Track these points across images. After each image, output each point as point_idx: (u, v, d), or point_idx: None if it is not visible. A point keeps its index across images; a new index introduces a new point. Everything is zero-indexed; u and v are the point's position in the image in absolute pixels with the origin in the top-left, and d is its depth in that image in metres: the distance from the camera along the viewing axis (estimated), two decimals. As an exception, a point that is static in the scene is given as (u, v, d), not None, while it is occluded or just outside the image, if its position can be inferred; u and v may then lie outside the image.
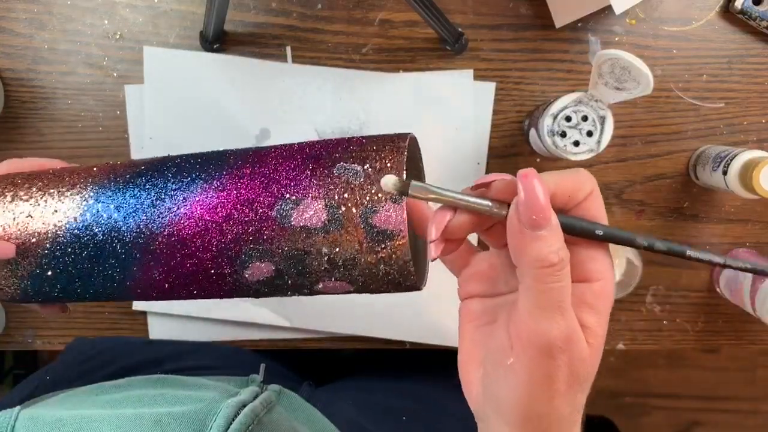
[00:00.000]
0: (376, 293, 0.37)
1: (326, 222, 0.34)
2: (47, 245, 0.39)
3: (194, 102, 0.63)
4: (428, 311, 0.66)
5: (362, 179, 0.34)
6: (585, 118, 0.55)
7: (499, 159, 0.65)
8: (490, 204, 0.30)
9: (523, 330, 0.29)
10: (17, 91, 0.63)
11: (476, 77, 0.64)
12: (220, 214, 0.36)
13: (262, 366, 0.55)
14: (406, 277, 0.35)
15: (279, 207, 0.35)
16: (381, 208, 0.34)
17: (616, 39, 0.63)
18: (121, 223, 0.38)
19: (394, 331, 0.66)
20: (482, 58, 0.63)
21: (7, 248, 0.38)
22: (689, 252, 0.30)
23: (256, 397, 0.46)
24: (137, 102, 0.63)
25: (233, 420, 0.41)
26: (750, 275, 0.61)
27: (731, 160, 0.57)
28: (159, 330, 0.67)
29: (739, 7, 0.61)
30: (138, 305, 0.66)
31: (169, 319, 0.67)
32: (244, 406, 0.43)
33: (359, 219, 0.34)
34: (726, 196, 0.66)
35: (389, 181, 0.30)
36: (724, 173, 0.58)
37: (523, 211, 0.28)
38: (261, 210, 0.36)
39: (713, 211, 0.66)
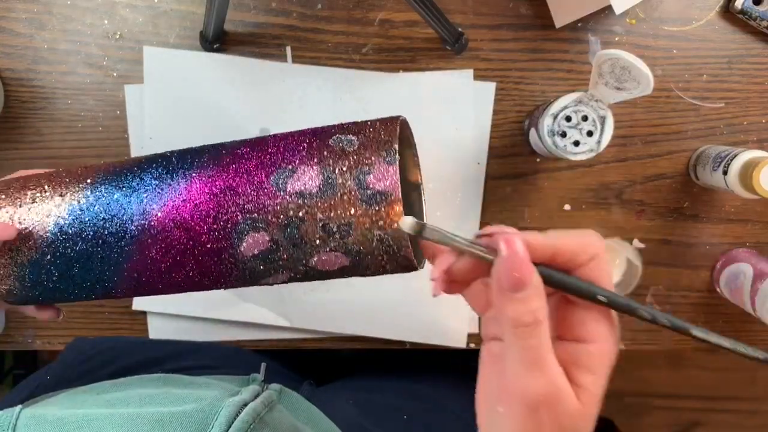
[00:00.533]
0: (372, 273, 0.37)
1: (321, 186, 0.35)
2: (49, 229, 0.39)
3: (194, 102, 0.63)
4: (428, 311, 0.66)
5: (356, 146, 0.36)
6: (585, 118, 0.55)
7: (499, 159, 0.65)
8: (490, 257, 0.31)
9: (509, 383, 0.30)
10: (17, 91, 0.63)
11: (476, 77, 0.64)
12: (217, 185, 0.37)
13: (263, 365, 0.55)
14: (401, 246, 0.35)
15: (275, 176, 0.36)
16: (374, 170, 0.35)
17: (616, 39, 0.63)
18: (123, 202, 0.38)
19: (394, 331, 0.66)
20: (482, 58, 0.63)
21: (9, 229, 0.39)
22: (693, 331, 0.30)
23: (257, 396, 0.46)
24: (137, 102, 0.63)
25: (235, 419, 0.41)
26: (750, 274, 0.61)
27: (731, 160, 0.57)
28: (159, 330, 0.67)
29: (739, 7, 0.61)
30: (138, 305, 0.66)
31: (169, 319, 0.67)
32: (246, 405, 0.43)
33: (353, 182, 0.35)
34: (726, 196, 0.66)
35: (407, 221, 0.32)
36: (724, 173, 0.58)
37: (502, 274, 0.29)
38: (258, 179, 0.36)
39: (713, 211, 0.66)
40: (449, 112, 0.64)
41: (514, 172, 0.65)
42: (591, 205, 0.65)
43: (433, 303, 0.65)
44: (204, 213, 0.37)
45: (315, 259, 0.37)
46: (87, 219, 0.39)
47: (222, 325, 0.67)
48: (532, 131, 0.60)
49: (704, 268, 0.68)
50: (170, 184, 0.38)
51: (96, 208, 0.39)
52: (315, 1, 0.62)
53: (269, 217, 0.36)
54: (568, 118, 0.55)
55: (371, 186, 0.34)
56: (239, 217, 0.36)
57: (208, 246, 0.37)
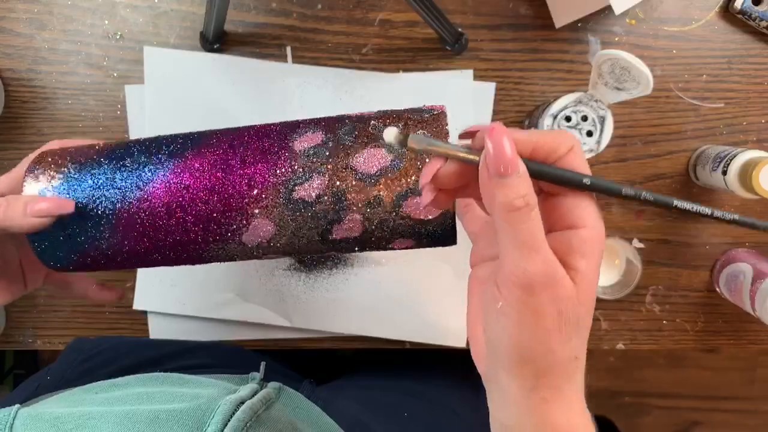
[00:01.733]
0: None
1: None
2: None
3: (194, 102, 0.63)
4: (428, 311, 0.66)
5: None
6: (585, 118, 0.55)
7: (499, 159, 0.65)
8: (472, 158, 0.32)
9: (505, 272, 0.30)
10: (18, 91, 0.63)
11: (476, 77, 0.64)
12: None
13: (263, 364, 0.55)
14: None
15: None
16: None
17: (616, 39, 0.63)
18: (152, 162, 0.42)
19: (394, 331, 0.66)
20: (482, 58, 0.63)
21: (68, 205, 0.41)
22: (675, 202, 0.31)
23: (255, 394, 0.46)
24: (137, 102, 0.64)
25: (231, 416, 0.41)
26: (750, 274, 0.61)
27: (731, 160, 0.57)
28: (159, 330, 0.67)
29: (739, 7, 0.61)
30: (138, 305, 0.66)
31: (169, 319, 0.67)
32: (243, 402, 0.43)
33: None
34: (726, 196, 0.66)
35: (391, 131, 0.32)
36: (724, 173, 0.58)
37: (491, 161, 0.29)
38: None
39: (713, 211, 0.66)
40: (449, 113, 0.64)
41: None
42: (591, 205, 0.65)
43: (433, 303, 0.65)
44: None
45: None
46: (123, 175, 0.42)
47: (222, 325, 0.67)
48: (532, 131, 0.60)
49: (704, 268, 0.68)
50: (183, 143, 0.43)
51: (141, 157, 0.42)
52: (315, 2, 0.62)
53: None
54: (568, 119, 0.55)
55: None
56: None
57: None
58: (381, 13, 0.63)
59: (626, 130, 0.64)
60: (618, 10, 0.54)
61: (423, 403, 0.62)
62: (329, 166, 0.40)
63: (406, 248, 0.42)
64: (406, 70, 0.63)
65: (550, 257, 0.29)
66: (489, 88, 0.64)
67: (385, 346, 0.67)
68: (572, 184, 0.31)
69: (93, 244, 0.42)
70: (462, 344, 0.66)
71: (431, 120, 0.40)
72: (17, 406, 0.41)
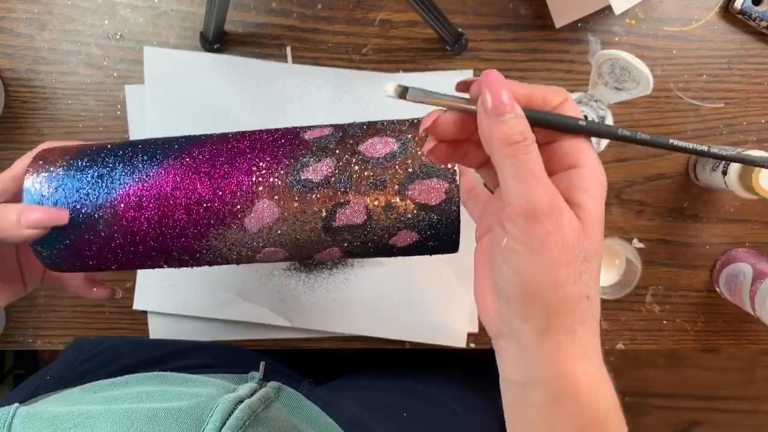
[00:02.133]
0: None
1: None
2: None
3: (194, 102, 0.63)
4: (428, 311, 0.66)
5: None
6: (585, 118, 0.55)
7: (499, 159, 0.65)
8: (470, 107, 0.33)
9: (508, 207, 0.30)
10: (18, 91, 0.63)
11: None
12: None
13: (262, 363, 0.55)
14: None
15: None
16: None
17: (616, 39, 0.63)
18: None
19: (394, 331, 0.66)
20: (482, 58, 0.63)
21: (62, 215, 0.41)
22: (671, 141, 0.32)
23: (254, 393, 0.46)
24: (137, 102, 0.64)
25: (230, 415, 0.41)
26: (750, 274, 0.61)
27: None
28: (159, 330, 0.67)
29: (739, 7, 0.61)
30: (138, 305, 0.66)
31: (169, 319, 0.67)
32: (242, 401, 0.43)
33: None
34: (726, 196, 0.66)
35: (391, 86, 0.33)
36: (724, 173, 0.58)
37: (487, 101, 0.30)
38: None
39: (713, 211, 0.66)
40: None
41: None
42: (591, 205, 0.65)
43: (433, 303, 0.65)
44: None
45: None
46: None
47: (222, 325, 0.67)
48: (532, 131, 0.60)
49: (704, 268, 0.68)
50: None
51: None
52: (315, 2, 0.62)
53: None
54: (568, 118, 0.55)
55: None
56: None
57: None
58: (381, 13, 0.63)
59: (626, 130, 0.64)
60: (618, 10, 0.54)
61: (423, 403, 0.62)
62: (337, 150, 0.40)
63: (409, 245, 0.42)
64: (406, 70, 0.63)
65: (551, 188, 0.30)
66: (489, 88, 0.64)
67: (385, 346, 0.67)
68: (568, 127, 0.32)
69: (92, 245, 0.42)
70: (462, 344, 0.66)
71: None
72: (16, 404, 0.41)
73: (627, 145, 0.65)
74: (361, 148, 0.40)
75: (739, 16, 0.62)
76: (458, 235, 0.41)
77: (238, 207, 0.40)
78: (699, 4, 0.63)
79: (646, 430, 1.51)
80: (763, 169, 0.54)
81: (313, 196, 0.40)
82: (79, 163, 0.42)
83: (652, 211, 0.66)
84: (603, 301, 0.67)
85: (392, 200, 0.40)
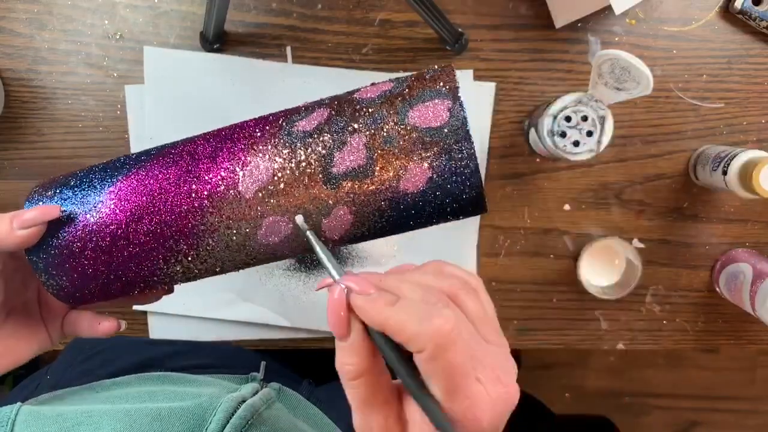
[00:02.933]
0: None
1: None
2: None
3: (194, 102, 0.63)
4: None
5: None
6: (585, 118, 0.55)
7: (499, 159, 0.65)
8: (334, 275, 0.34)
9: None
10: (18, 91, 0.63)
11: (476, 77, 0.64)
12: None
13: (263, 364, 0.55)
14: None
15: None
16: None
17: (616, 39, 0.63)
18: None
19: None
20: (482, 58, 0.63)
21: (53, 209, 0.39)
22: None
23: (255, 393, 0.46)
24: (137, 102, 0.64)
25: (233, 415, 0.41)
26: (750, 274, 0.61)
27: (731, 160, 0.57)
28: (159, 330, 0.67)
29: (739, 7, 0.61)
30: (138, 305, 0.66)
31: (169, 319, 0.67)
32: (244, 401, 0.43)
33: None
34: (726, 196, 0.66)
35: (299, 218, 0.36)
36: (724, 173, 0.58)
37: (328, 318, 0.30)
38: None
39: (713, 211, 0.66)
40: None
41: (514, 172, 0.65)
42: (591, 205, 0.65)
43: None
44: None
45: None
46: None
47: (222, 325, 0.67)
48: (532, 131, 0.60)
49: (704, 268, 0.68)
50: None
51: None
52: (315, 2, 0.62)
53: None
54: (568, 119, 0.55)
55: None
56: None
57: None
58: (381, 13, 0.63)
59: (626, 130, 0.64)
60: (618, 10, 0.54)
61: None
62: (329, 101, 0.39)
63: (424, 191, 0.37)
64: (406, 70, 0.63)
65: (381, 421, 0.29)
66: (489, 88, 0.64)
67: (385, 346, 0.67)
68: (408, 388, 0.28)
69: (96, 266, 0.40)
70: (462, 344, 0.66)
71: (439, 76, 0.37)
72: (19, 403, 0.41)
73: (627, 145, 0.65)
74: (355, 95, 0.39)
75: (739, 16, 0.62)
76: (474, 158, 0.36)
77: (231, 170, 0.38)
78: (699, 4, 0.63)
79: (646, 430, 1.51)
80: (763, 169, 0.54)
81: (307, 143, 0.37)
82: (66, 191, 0.41)
83: (652, 211, 0.66)
84: (603, 301, 0.67)
85: (392, 131, 0.36)
